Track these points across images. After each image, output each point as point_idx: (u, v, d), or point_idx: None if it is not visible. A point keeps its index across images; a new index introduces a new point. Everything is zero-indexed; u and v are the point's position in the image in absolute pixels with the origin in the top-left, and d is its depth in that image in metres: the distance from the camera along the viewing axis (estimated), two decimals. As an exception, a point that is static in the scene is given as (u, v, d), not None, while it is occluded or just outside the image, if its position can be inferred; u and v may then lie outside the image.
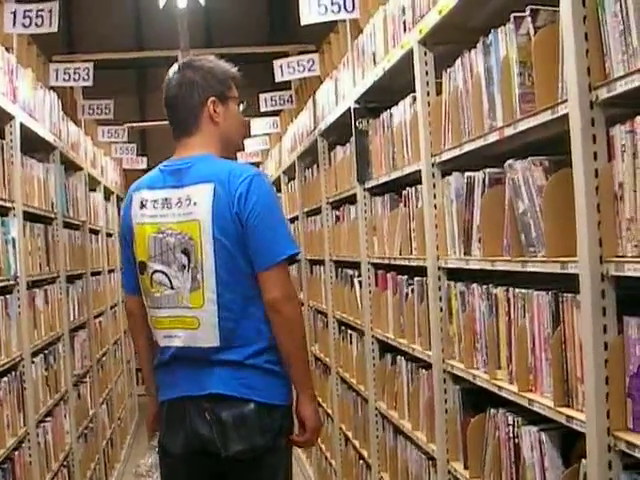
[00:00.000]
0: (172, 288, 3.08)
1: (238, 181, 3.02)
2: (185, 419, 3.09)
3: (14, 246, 4.58)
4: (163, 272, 3.08)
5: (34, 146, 5.45)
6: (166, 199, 3.09)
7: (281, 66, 6.35)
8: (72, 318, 6.34)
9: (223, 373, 3.06)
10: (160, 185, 3.13)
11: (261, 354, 3.07)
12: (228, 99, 3.21)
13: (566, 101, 2.34)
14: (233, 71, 3.28)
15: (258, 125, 9.05)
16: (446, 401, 3.67)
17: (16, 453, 4.39)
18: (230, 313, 3.03)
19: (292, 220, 8.29)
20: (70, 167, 6.78)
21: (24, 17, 4.93)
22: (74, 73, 6.31)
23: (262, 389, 3.08)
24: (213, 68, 3.20)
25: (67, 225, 6.33)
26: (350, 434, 5.77)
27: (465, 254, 3.27)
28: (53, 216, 5.80)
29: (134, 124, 10.85)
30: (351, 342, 5.67)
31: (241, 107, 3.32)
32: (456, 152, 3.30)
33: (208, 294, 3.02)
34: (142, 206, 3.14)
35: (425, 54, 3.63)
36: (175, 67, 3.23)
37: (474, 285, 3.26)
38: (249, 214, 3.00)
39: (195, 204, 3.03)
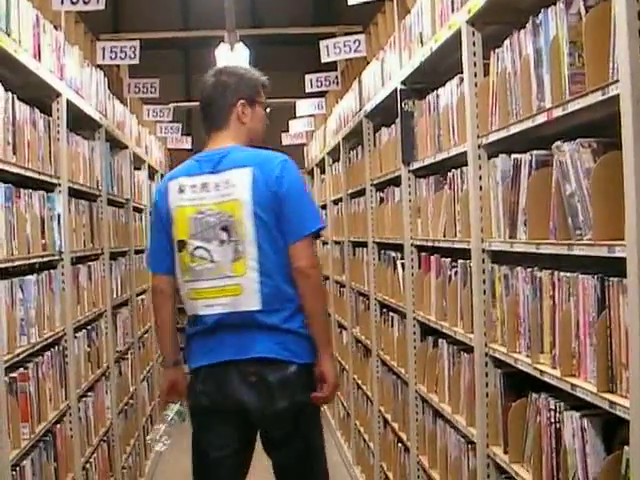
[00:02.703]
0: (212, 261, 3.47)
1: (273, 165, 3.51)
2: (226, 382, 3.49)
3: (59, 222, 4.62)
4: (204, 248, 3.48)
5: (80, 123, 5.48)
6: (204, 184, 3.51)
7: (327, 47, 6.31)
8: (115, 295, 6.38)
9: (266, 338, 3.47)
10: (197, 172, 3.55)
11: (294, 317, 3.50)
12: (255, 103, 3.69)
13: (617, 81, 2.30)
14: (263, 79, 3.76)
15: (303, 106, 9.03)
16: (487, 385, 3.65)
17: (57, 427, 4.44)
18: (268, 279, 3.45)
19: (336, 202, 8.29)
20: (115, 145, 6.81)
21: (72, -6, 4.93)
22: (120, 51, 6.31)
23: (300, 352, 3.50)
24: (245, 74, 3.71)
25: (111, 203, 6.37)
26: (389, 417, 5.77)
27: (510, 237, 3.24)
28: (98, 193, 5.84)
29: (179, 104, 10.84)
30: (392, 324, 5.66)
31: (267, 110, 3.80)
32: (503, 134, 3.27)
33: (250, 263, 3.44)
34: (181, 191, 3.55)
35: (473, 34, 3.59)
36: (211, 72, 3.71)
37: (518, 268, 3.24)
38: (284, 193, 3.47)
39: (234, 186, 3.47)
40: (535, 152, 3.05)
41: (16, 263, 3.87)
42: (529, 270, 3.12)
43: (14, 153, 3.86)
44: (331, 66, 7.32)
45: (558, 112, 2.72)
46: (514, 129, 3.14)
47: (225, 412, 3.52)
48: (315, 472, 3.67)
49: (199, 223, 3.48)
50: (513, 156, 3.22)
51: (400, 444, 5.46)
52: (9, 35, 3.73)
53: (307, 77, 7.63)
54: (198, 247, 3.48)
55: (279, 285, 3.47)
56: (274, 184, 3.46)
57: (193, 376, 3.59)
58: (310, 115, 9.48)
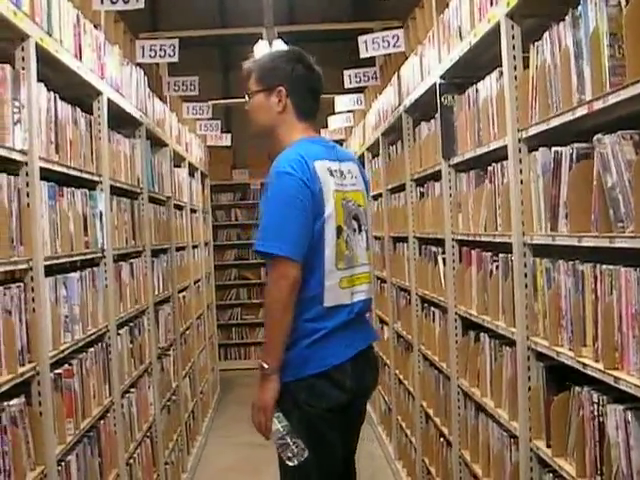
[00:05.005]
0: (352, 249, 3.48)
1: None
2: (360, 369, 3.45)
3: (101, 220, 4.66)
4: (349, 235, 3.48)
5: (121, 122, 5.52)
6: (339, 170, 3.50)
7: (366, 42, 6.31)
8: (157, 292, 6.42)
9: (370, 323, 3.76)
10: (331, 157, 3.49)
11: None
12: None
13: (658, 73, 2.30)
14: None
15: (342, 102, 9.03)
16: (529, 379, 3.64)
17: (101, 422, 4.48)
18: None
19: (375, 197, 8.28)
20: (156, 143, 6.84)
21: (111, -7, 4.97)
22: (160, 50, 6.35)
23: None
24: None
25: (152, 200, 6.40)
26: (431, 411, 5.77)
27: (552, 230, 3.23)
28: (139, 191, 5.88)
29: (218, 101, 10.88)
30: (434, 319, 5.65)
31: None
32: (543, 127, 3.25)
33: (370, 252, 3.66)
34: (332, 174, 3.43)
35: (512, 28, 3.58)
36: (312, 59, 3.60)
37: (560, 261, 3.23)
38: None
39: (356, 177, 3.59)
40: (576, 145, 3.03)
41: (60, 260, 3.91)
42: (571, 263, 3.11)
43: (57, 152, 3.91)
44: (370, 61, 7.31)
45: (599, 104, 2.71)
46: (554, 122, 3.13)
47: (348, 406, 3.42)
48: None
49: (346, 210, 3.44)
50: (554, 149, 3.20)
51: (442, 439, 5.45)
52: (51, 35, 3.77)
53: (346, 73, 7.62)
54: (348, 234, 3.45)
55: None
56: (366, 183, 3.74)
57: (334, 373, 3.35)
58: (349, 111, 9.48)
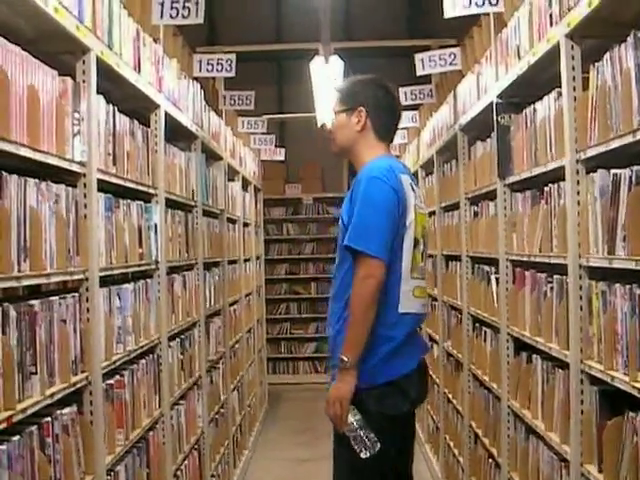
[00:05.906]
0: (424, 263, 3.67)
1: None
2: (423, 378, 3.68)
3: (156, 232, 4.68)
4: (422, 250, 3.65)
5: (177, 135, 5.55)
6: (417, 190, 3.69)
7: (422, 60, 6.31)
8: (208, 305, 6.44)
9: None
10: (410, 176, 3.70)
11: None
12: None
13: None
14: None
15: (396, 119, 9.02)
16: (582, 402, 3.60)
17: (150, 433, 4.49)
18: None
19: (429, 215, 8.26)
20: (210, 156, 6.88)
21: (171, 8, 5.03)
22: (217, 64, 6.41)
23: None
24: None
25: (206, 213, 6.43)
26: (480, 432, 5.72)
27: (609, 253, 3.20)
28: (193, 204, 5.90)
29: (273, 115, 10.92)
30: (485, 339, 5.62)
31: None
32: (602, 148, 3.23)
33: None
34: (412, 190, 3.63)
35: (572, 48, 3.56)
36: (393, 86, 3.84)
37: (617, 285, 3.19)
38: None
39: (424, 202, 3.77)
40: (635, 167, 3.00)
41: (115, 272, 3.93)
42: (628, 287, 3.07)
43: (114, 164, 3.94)
44: (425, 79, 7.31)
45: (660, 127, 2.68)
46: (614, 144, 3.10)
47: (408, 415, 3.67)
48: None
49: (419, 225, 3.62)
50: (612, 171, 3.17)
51: (491, 460, 5.41)
52: (111, 49, 3.81)
53: (401, 90, 7.60)
54: (422, 248, 3.64)
55: None
56: None
57: (402, 382, 3.52)
58: (404, 128, 9.48)
